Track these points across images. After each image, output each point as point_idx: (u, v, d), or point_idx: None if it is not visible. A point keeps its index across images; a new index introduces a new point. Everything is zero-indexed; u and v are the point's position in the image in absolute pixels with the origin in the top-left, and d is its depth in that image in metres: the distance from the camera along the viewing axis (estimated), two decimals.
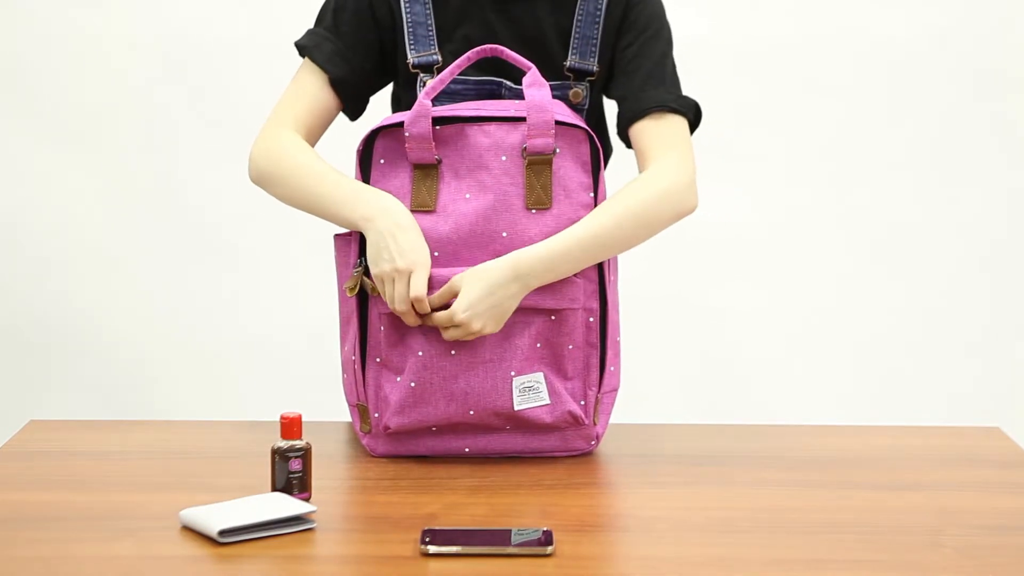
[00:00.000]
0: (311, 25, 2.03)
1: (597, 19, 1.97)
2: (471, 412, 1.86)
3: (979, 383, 3.44)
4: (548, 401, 1.86)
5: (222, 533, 1.58)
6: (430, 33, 1.96)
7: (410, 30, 1.96)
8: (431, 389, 1.85)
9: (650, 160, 1.93)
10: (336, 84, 1.98)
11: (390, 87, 2.08)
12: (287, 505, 1.64)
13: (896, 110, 3.40)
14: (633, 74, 1.97)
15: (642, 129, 1.95)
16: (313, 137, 2.00)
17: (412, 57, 1.96)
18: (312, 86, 1.99)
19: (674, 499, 1.77)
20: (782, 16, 3.38)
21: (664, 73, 1.98)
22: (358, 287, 1.87)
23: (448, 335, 1.83)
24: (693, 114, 1.97)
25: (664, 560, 1.57)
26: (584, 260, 1.85)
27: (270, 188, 1.95)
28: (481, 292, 1.80)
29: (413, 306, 1.82)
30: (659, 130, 1.94)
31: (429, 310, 1.82)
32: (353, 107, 2.03)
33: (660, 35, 1.99)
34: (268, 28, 3.27)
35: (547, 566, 1.53)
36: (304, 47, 2.00)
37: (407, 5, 1.96)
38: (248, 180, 1.97)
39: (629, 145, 2.00)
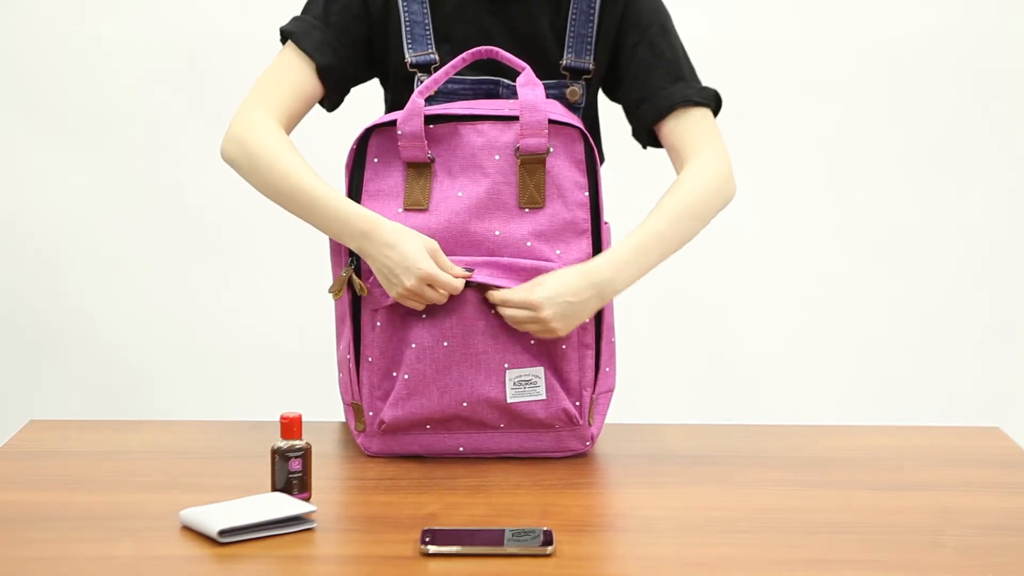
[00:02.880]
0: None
1: (591, 16, 1.97)
2: (464, 404, 1.85)
3: (979, 383, 3.44)
4: (544, 396, 1.86)
5: (222, 533, 1.58)
6: (427, 32, 1.96)
7: (407, 29, 1.96)
8: (424, 380, 1.85)
9: (687, 156, 1.94)
10: (322, 73, 1.96)
11: (380, 90, 2.08)
12: (287, 505, 1.64)
13: (896, 110, 3.40)
14: (648, 73, 1.97)
15: (671, 127, 1.96)
16: (292, 122, 1.97)
17: (410, 57, 1.96)
18: (297, 72, 1.96)
19: (674, 499, 1.77)
20: (782, 16, 3.38)
21: (680, 66, 1.98)
22: (343, 290, 1.88)
23: (517, 316, 1.82)
24: (715, 103, 1.99)
25: (664, 560, 1.57)
26: (650, 262, 1.87)
27: (241, 174, 1.92)
28: (561, 289, 1.81)
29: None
30: (689, 125, 1.96)
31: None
32: (334, 98, 2.01)
33: (666, 28, 1.99)
34: (269, 28, 3.26)
35: (547, 566, 1.53)
36: (291, 33, 1.97)
37: (404, 4, 1.96)
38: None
39: (646, 145, 2.02)
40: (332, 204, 1.85)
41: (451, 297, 1.83)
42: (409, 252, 1.80)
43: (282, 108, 1.95)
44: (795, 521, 1.69)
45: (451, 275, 1.81)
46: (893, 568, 1.55)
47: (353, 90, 2.04)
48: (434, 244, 1.82)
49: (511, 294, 1.82)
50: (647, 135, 2.00)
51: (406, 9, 1.96)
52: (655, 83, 1.97)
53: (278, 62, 1.98)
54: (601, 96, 2.05)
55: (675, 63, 1.98)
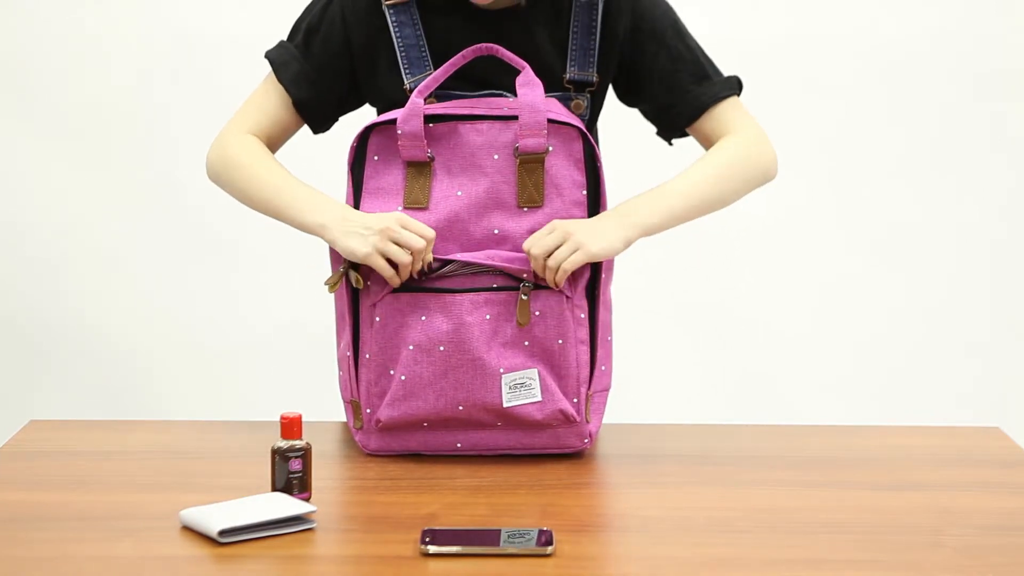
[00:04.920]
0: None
1: (593, 30, 1.96)
2: (460, 407, 1.86)
3: (979, 383, 3.43)
4: (540, 398, 1.86)
5: (222, 533, 1.58)
6: (423, 55, 1.95)
7: (403, 54, 1.95)
8: (420, 383, 1.85)
9: (726, 136, 1.97)
10: (299, 106, 1.99)
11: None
12: (287, 505, 1.64)
13: (896, 110, 3.40)
14: (674, 80, 1.98)
15: (704, 125, 1.99)
16: (273, 145, 2.01)
17: (408, 82, 1.95)
18: (274, 102, 2.00)
19: (674, 499, 1.77)
20: (782, 16, 3.38)
21: (702, 65, 2.00)
22: (339, 283, 1.88)
23: (547, 242, 1.82)
24: (739, 89, 2.02)
25: (664, 560, 1.57)
26: (684, 208, 1.90)
27: (225, 189, 1.98)
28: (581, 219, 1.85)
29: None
30: (722, 119, 1.99)
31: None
32: (318, 125, 2.03)
33: (678, 29, 2.01)
34: (270, 27, 3.26)
35: (547, 566, 1.53)
36: (272, 62, 2.00)
37: (396, 29, 1.95)
38: None
39: (672, 141, 2.05)
40: (296, 189, 1.89)
41: (448, 302, 1.83)
42: (376, 211, 1.84)
43: (259, 133, 1.99)
44: (795, 521, 1.69)
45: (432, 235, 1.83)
46: (893, 568, 1.55)
47: None
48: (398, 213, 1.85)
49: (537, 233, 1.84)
50: (672, 136, 2.04)
51: (399, 34, 1.95)
52: (681, 87, 1.98)
53: (260, 89, 2.01)
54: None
55: (696, 63, 2.00)
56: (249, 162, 1.95)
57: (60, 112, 3.34)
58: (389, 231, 1.81)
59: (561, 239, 1.82)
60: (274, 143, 2.01)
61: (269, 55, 2.01)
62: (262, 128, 1.99)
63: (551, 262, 1.82)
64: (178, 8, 3.34)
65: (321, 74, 1.98)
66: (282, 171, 1.94)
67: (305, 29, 1.99)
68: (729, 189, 1.94)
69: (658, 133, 2.05)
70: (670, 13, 2.01)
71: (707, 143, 2.00)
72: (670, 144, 2.07)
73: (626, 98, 2.05)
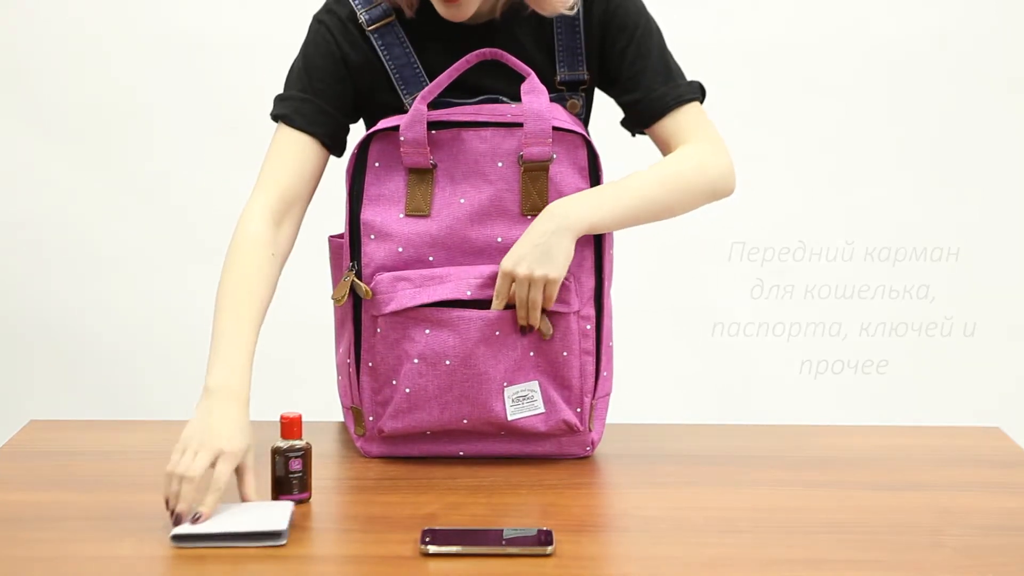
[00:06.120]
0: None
1: (577, 29, 1.95)
2: (465, 420, 1.85)
3: (979, 383, 3.44)
4: (543, 410, 1.86)
5: (175, 538, 1.58)
6: (418, 72, 1.93)
7: (396, 75, 1.93)
8: (425, 396, 1.84)
9: (681, 144, 1.94)
10: (328, 141, 1.92)
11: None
12: (262, 519, 1.61)
13: (896, 110, 3.40)
14: (639, 76, 1.96)
15: (664, 126, 1.96)
16: (305, 197, 1.93)
17: (408, 103, 1.93)
18: (299, 151, 1.91)
19: (674, 499, 1.77)
20: (782, 16, 3.38)
21: (668, 67, 1.98)
22: (346, 297, 1.87)
23: (519, 295, 1.80)
24: (702, 95, 1.98)
25: (664, 560, 1.57)
26: (620, 208, 1.84)
27: None
28: (521, 242, 1.80)
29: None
30: (682, 122, 1.95)
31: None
32: (340, 152, 1.99)
33: (649, 28, 1.98)
34: (269, 27, 3.27)
35: (547, 566, 1.53)
36: (283, 116, 1.92)
37: (384, 51, 1.93)
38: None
39: (635, 134, 2.02)
40: (220, 345, 1.79)
41: (455, 315, 1.82)
42: (234, 426, 1.70)
43: (287, 195, 1.90)
44: (795, 521, 1.69)
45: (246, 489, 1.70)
46: (893, 568, 1.55)
47: None
48: (250, 452, 1.71)
49: (496, 288, 1.81)
50: (640, 131, 2.01)
51: (387, 55, 1.92)
52: (646, 85, 1.96)
53: (278, 147, 1.92)
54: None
55: (662, 63, 1.97)
56: (229, 275, 1.88)
57: (60, 112, 3.34)
58: (205, 451, 1.67)
59: (526, 283, 1.80)
60: (307, 191, 1.93)
61: (276, 112, 1.94)
62: (288, 189, 1.90)
63: (532, 304, 1.81)
64: (178, 8, 3.34)
65: (333, 104, 1.93)
66: (236, 307, 1.84)
67: (302, 69, 1.94)
68: (678, 198, 1.90)
69: (622, 123, 2.02)
70: (642, 11, 1.99)
71: (664, 147, 1.97)
72: (633, 136, 2.03)
73: (600, 86, 2.04)
